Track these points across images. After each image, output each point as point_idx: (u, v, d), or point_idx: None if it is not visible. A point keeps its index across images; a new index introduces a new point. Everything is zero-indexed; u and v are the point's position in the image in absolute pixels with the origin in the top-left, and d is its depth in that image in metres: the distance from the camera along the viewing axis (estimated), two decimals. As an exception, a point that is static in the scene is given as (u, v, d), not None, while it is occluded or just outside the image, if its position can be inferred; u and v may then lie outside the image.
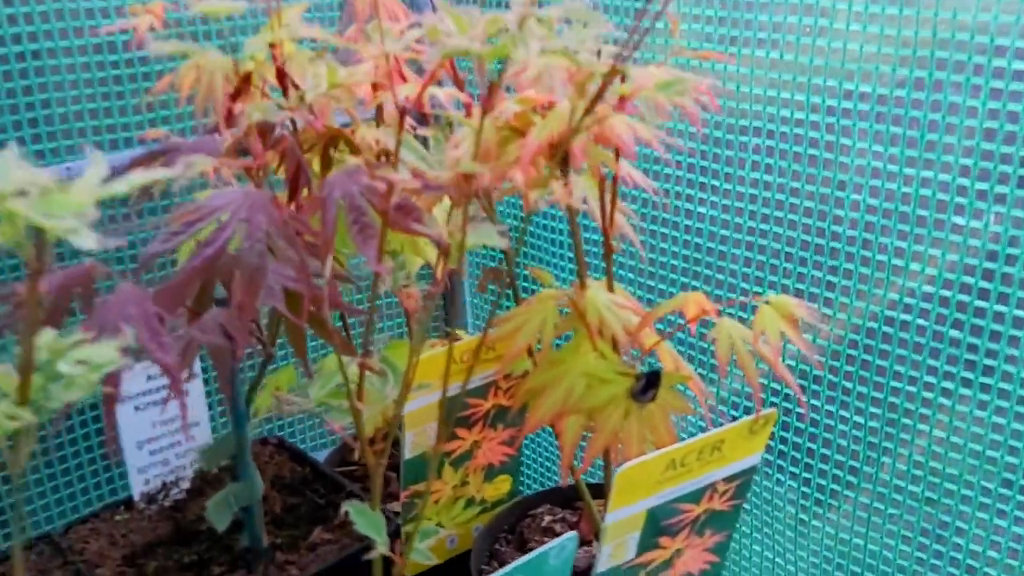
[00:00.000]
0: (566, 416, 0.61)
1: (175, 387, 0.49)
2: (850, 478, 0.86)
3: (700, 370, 0.92)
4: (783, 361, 0.59)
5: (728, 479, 0.61)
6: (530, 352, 0.72)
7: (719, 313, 0.59)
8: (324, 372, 0.61)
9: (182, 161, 0.52)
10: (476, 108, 0.57)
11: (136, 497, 0.79)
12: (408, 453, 0.74)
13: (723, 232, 0.88)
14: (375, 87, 0.73)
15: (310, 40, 0.77)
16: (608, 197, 0.63)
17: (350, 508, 0.58)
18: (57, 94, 0.86)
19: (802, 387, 0.86)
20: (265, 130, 0.68)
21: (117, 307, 0.51)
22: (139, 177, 0.40)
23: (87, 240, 0.37)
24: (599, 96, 0.46)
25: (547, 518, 0.82)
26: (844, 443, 0.86)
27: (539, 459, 1.15)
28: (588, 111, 0.46)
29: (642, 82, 0.47)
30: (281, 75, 0.72)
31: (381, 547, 0.58)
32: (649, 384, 0.60)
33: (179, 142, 0.68)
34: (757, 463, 0.62)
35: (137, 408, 0.77)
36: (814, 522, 0.92)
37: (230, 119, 0.72)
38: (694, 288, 0.91)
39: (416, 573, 0.78)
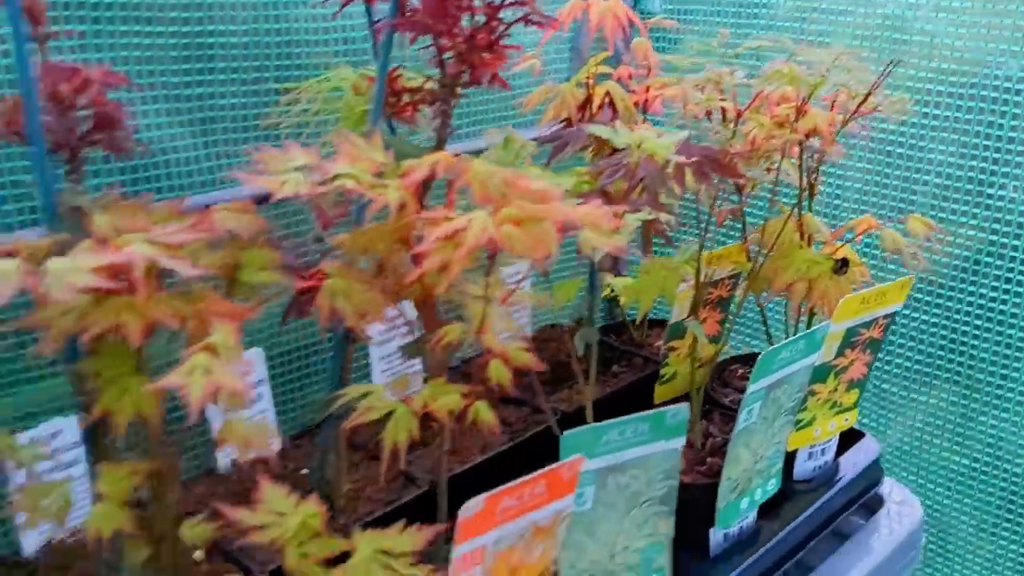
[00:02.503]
0: (796, 283, 1.12)
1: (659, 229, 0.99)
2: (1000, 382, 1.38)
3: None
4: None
5: (884, 317, 1.12)
6: (748, 257, 1.23)
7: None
8: (683, 250, 1.11)
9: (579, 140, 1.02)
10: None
11: (496, 350, 1.28)
12: (672, 320, 1.24)
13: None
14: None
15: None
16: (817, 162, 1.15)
17: (691, 326, 1.08)
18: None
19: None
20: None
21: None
22: (675, 136, 0.91)
23: (674, 158, 0.87)
24: (860, 106, 0.98)
25: (740, 371, 1.33)
26: (985, 356, 1.37)
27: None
28: (853, 114, 0.98)
29: (883, 102, 0.99)
30: (610, 96, 1.23)
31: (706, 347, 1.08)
32: (843, 265, 1.12)
33: (561, 132, 1.18)
34: (899, 308, 1.13)
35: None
36: (968, 424, 1.43)
37: (576, 121, 1.23)
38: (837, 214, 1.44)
39: (670, 398, 1.27)
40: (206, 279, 0.64)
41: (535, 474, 0.72)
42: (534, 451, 1.10)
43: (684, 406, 0.84)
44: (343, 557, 0.70)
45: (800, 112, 1.01)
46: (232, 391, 0.52)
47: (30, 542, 0.87)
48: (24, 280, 0.54)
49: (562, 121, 1.23)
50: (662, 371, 1.25)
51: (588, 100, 1.23)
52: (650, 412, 0.83)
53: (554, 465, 0.74)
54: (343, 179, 0.67)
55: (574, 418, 1.13)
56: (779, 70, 0.97)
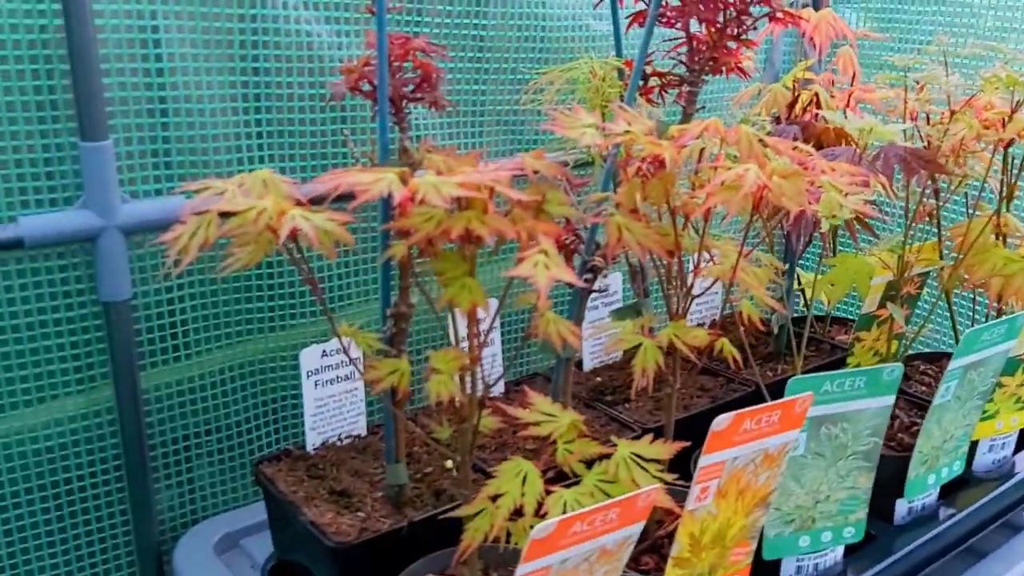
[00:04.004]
0: (992, 279, 1.19)
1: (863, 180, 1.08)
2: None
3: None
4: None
5: (1076, 314, 1.17)
6: (940, 255, 1.30)
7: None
8: (883, 242, 1.20)
9: (788, 133, 1.12)
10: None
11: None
12: (863, 310, 1.32)
13: None
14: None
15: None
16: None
17: (891, 308, 1.16)
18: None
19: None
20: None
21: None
22: (899, 126, 1.00)
23: (901, 143, 0.97)
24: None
25: (921, 367, 1.39)
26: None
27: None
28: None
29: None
30: (817, 99, 1.33)
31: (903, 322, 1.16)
32: (1039, 263, 1.18)
33: (775, 125, 1.28)
34: (1090, 308, 1.18)
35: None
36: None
37: (787, 118, 1.33)
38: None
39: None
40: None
41: (773, 403, 0.83)
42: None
43: (899, 364, 0.93)
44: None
45: (1011, 115, 1.08)
46: (566, 281, 0.65)
47: (312, 440, 1.03)
48: (402, 188, 0.69)
49: (773, 118, 1.34)
50: (848, 360, 1.33)
51: (795, 100, 1.33)
52: (868, 367, 0.92)
53: (788, 397, 0.84)
54: (630, 134, 0.80)
55: (770, 389, 1.23)
56: (996, 74, 1.05)
